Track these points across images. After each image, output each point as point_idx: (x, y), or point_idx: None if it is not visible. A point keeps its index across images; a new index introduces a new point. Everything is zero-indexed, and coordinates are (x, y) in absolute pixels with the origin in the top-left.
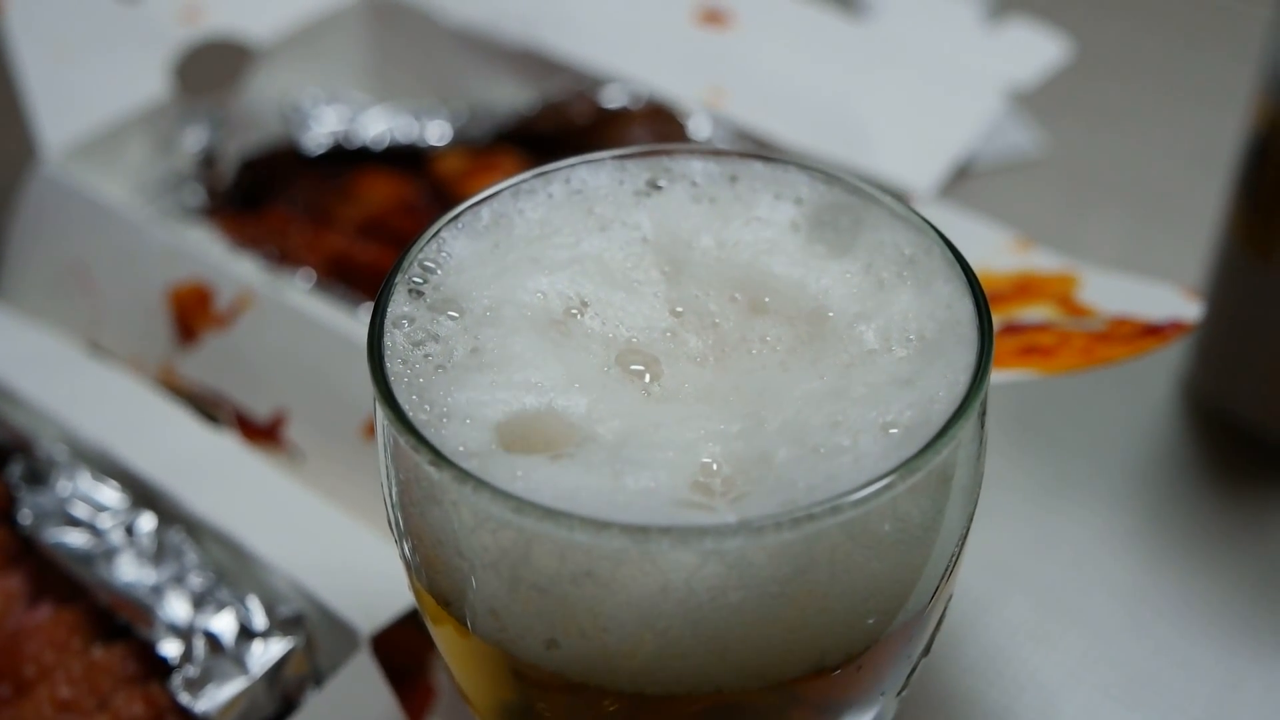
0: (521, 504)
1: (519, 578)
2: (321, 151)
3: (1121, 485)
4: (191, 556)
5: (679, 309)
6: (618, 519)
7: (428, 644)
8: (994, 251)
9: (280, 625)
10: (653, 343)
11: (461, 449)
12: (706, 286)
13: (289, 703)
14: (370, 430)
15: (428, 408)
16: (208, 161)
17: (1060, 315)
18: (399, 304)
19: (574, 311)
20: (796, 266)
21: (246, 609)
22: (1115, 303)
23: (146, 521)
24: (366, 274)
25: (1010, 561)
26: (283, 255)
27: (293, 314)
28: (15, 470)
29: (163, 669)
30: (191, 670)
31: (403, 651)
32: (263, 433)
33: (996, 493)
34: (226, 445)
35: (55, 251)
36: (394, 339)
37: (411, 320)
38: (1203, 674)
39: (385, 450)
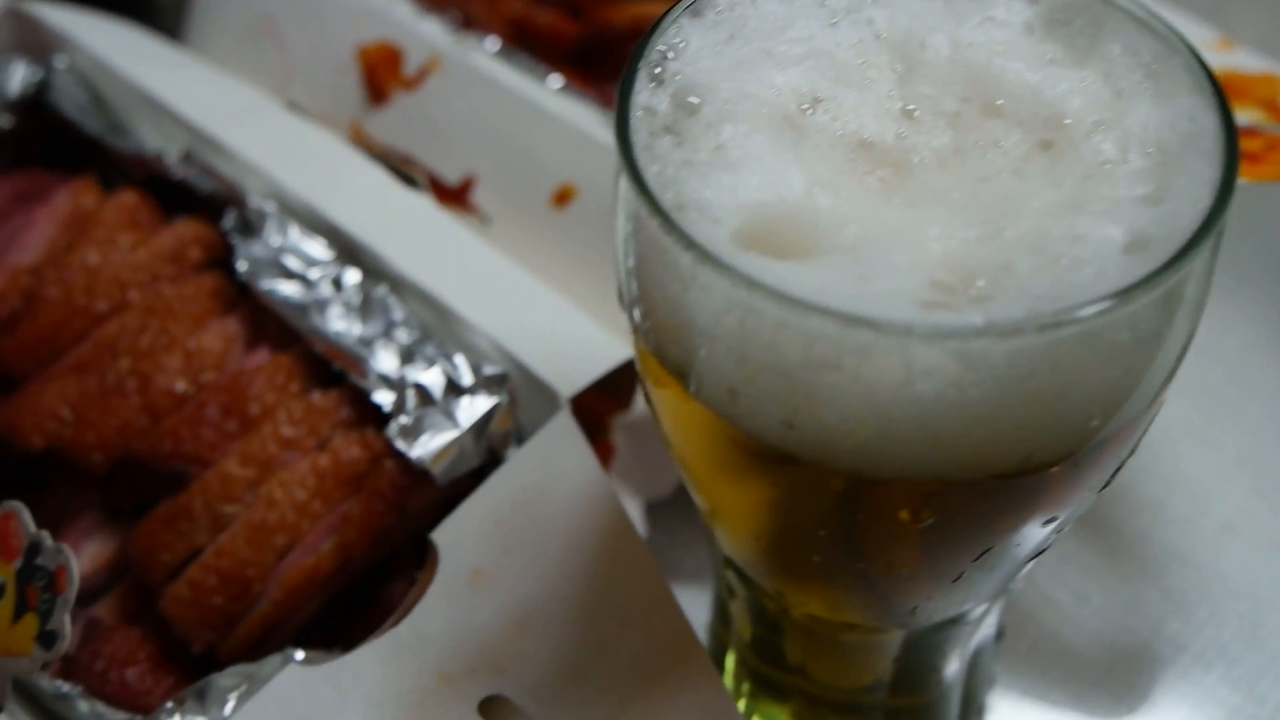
0: (774, 294)
1: (762, 362)
2: None
3: None
4: (397, 312)
5: (912, 109)
6: (868, 314)
7: (610, 408)
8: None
9: (485, 383)
10: (886, 143)
11: (703, 241)
12: (939, 86)
13: (493, 455)
14: (560, 198)
15: (670, 196)
16: None
17: (1266, 120)
18: (642, 91)
19: (806, 108)
20: (1032, 71)
21: (454, 365)
22: None
23: (352, 276)
24: (544, 39)
25: None
26: (466, 20)
27: (481, 78)
28: (229, 220)
29: (376, 416)
30: (405, 419)
31: (587, 413)
32: (452, 195)
33: None
34: (425, 207)
35: (244, 5)
36: (638, 125)
37: (653, 110)
38: None
39: (626, 225)
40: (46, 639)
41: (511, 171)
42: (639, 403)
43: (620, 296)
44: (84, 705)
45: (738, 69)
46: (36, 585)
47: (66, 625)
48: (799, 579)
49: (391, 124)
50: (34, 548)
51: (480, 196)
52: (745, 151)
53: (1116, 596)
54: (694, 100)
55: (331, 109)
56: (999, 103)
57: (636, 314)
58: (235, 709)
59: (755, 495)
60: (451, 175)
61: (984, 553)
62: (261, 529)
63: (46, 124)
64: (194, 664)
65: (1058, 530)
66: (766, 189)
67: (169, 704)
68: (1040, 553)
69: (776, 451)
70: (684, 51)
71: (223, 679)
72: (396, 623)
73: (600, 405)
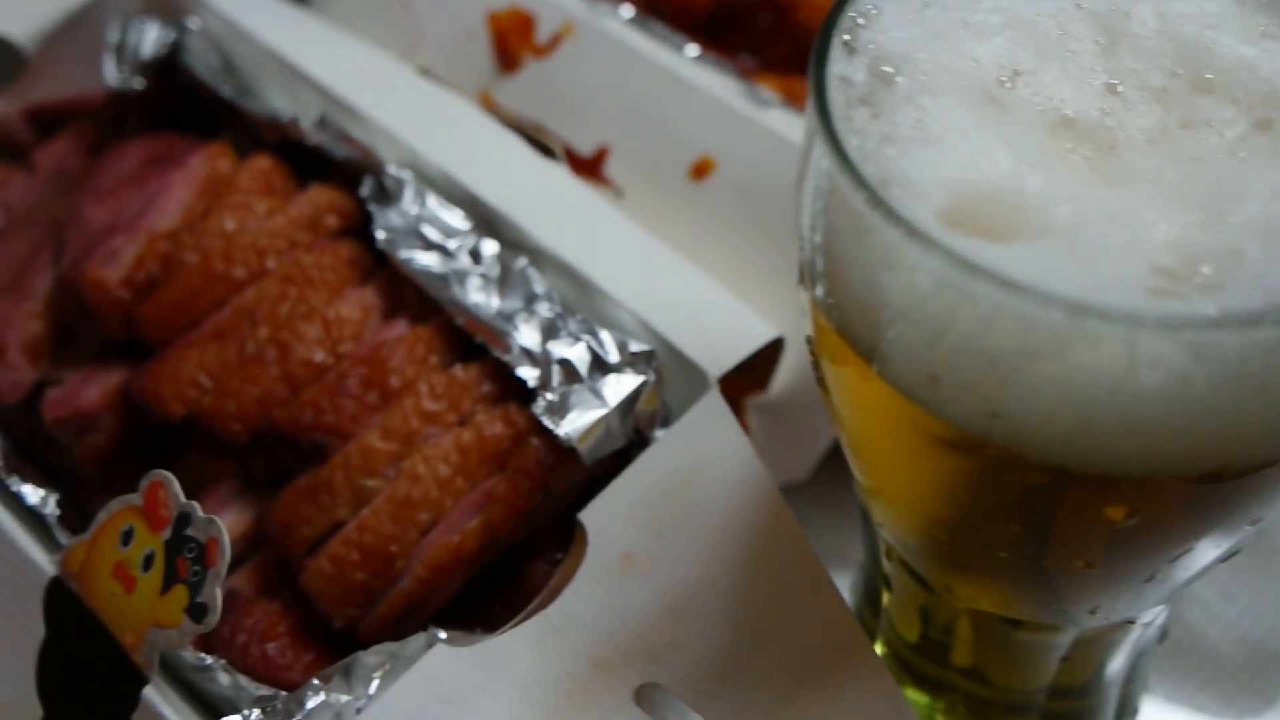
0: (994, 277)
1: (970, 348)
2: None
3: None
4: (537, 285)
5: (1116, 84)
6: (1095, 302)
7: (746, 388)
8: None
9: (632, 360)
10: (1090, 120)
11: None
12: (1145, 60)
13: (639, 435)
14: (698, 171)
15: (871, 170)
16: None
17: None
18: (837, 60)
19: (1006, 81)
20: (1245, 45)
21: (599, 341)
22: None
23: (489, 247)
24: (675, 7)
25: None
26: None
27: (616, 46)
28: (366, 188)
29: (518, 392)
30: (551, 396)
31: (723, 393)
32: (585, 166)
33: None
34: (563, 178)
35: None
36: (835, 97)
37: (849, 80)
38: None
39: (816, 199)
40: (197, 611)
41: (647, 142)
42: (775, 384)
43: (802, 272)
44: (225, 678)
45: (934, 39)
46: (187, 557)
47: (217, 598)
48: (976, 573)
49: (522, 91)
50: (184, 518)
51: (613, 168)
52: (946, 127)
53: (1265, 596)
54: (889, 70)
55: (460, 75)
56: (1209, 78)
57: (820, 290)
58: (380, 687)
59: (939, 484)
60: (583, 145)
61: (1183, 553)
62: (405, 504)
63: (176, 86)
64: (331, 639)
65: (1260, 530)
66: (970, 167)
67: (314, 681)
68: (1235, 553)
69: (973, 440)
70: (876, 19)
71: (368, 657)
72: (544, 605)
73: (736, 385)
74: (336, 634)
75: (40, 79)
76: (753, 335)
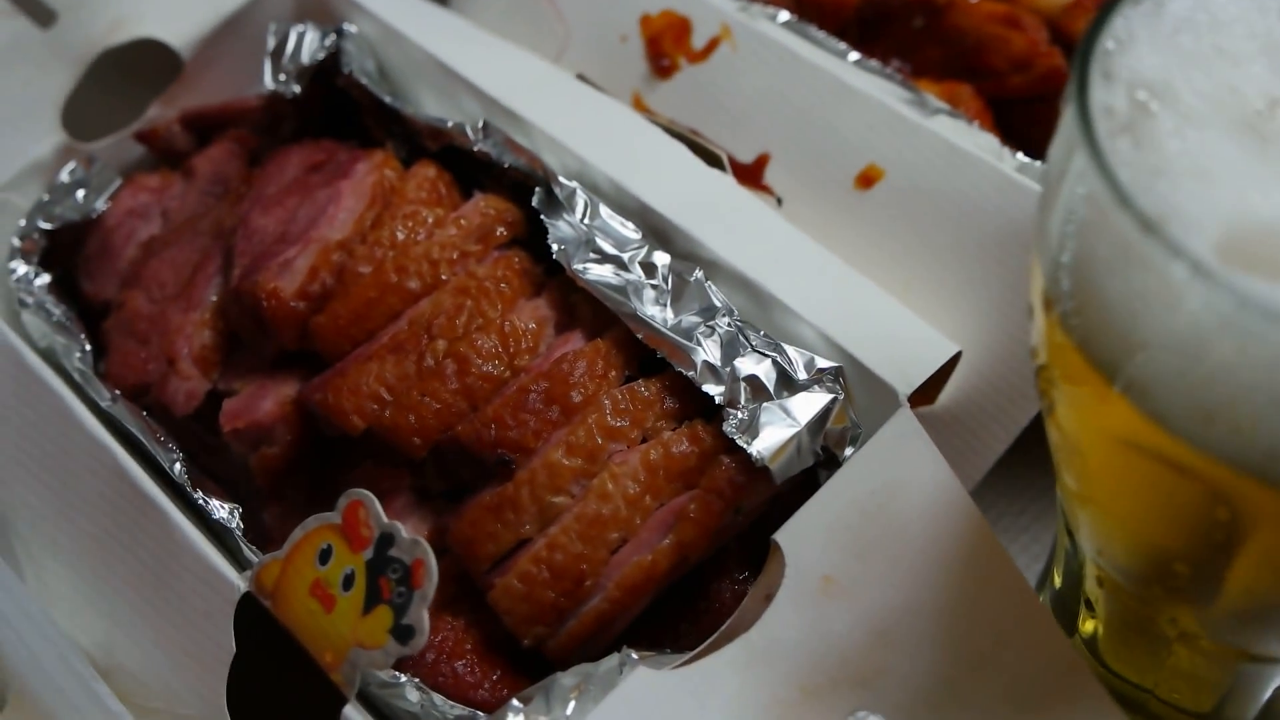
0: None
1: (1259, 389)
2: None
3: None
4: (714, 298)
5: None
6: None
7: (915, 402)
8: None
9: (819, 377)
10: None
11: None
12: None
13: (829, 454)
14: (865, 180)
15: (1146, 202)
16: None
17: None
18: (1097, 88)
19: (1266, 111)
20: None
21: (786, 357)
22: None
23: (661, 258)
24: (824, 10)
25: None
26: None
27: (775, 50)
28: (536, 198)
29: (700, 407)
30: (741, 414)
31: None
32: (745, 173)
33: None
34: (731, 187)
35: None
36: (1099, 126)
37: (1110, 109)
38: None
39: (1070, 221)
40: (402, 633)
41: (809, 150)
42: (942, 397)
43: (1049, 288)
44: (415, 695)
45: (1190, 66)
46: (390, 577)
47: (424, 621)
48: (1216, 607)
49: (676, 96)
50: (387, 539)
51: (772, 175)
52: (1213, 159)
53: None
54: (1147, 98)
55: (611, 79)
56: None
57: (1064, 310)
58: (576, 710)
59: (1181, 515)
60: (741, 152)
61: None
62: (595, 522)
63: (329, 91)
64: (513, 656)
65: None
66: (1243, 201)
67: (515, 702)
68: None
69: (1246, 478)
70: (1130, 45)
71: (565, 678)
72: (742, 628)
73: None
74: (521, 651)
75: (193, 84)
76: (935, 350)
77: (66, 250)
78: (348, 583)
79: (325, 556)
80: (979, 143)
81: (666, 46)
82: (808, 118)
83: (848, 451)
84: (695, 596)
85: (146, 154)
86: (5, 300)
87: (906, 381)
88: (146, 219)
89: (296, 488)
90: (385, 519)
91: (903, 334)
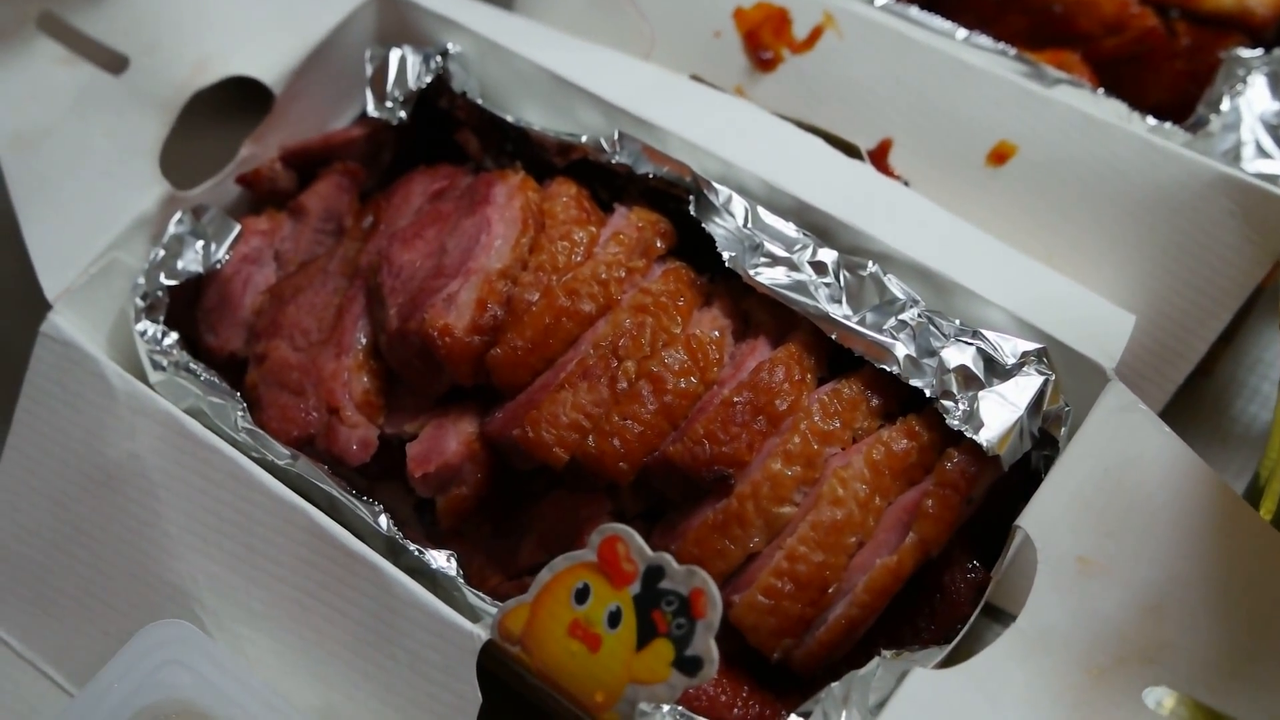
0: None
1: None
2: None
3: None
4: (891, 290)
5: None
6: None
7: None
8: None
9: (1025, 360)
10: None
11: None
12: None
13: (1045, 435)
14: (998, 157)
15: None
16: None
17: None
18: None
19: None
20: None
21: (989, 343)
22: None
23: (828, 255)
24: None
25: None
26: None
27: (883, 34)
28: (692, 206)
29: (902, 401)
30: (961, 404)
31: None
32: (870, 160)
33: None
34: (874, 176)
35: None
36: None
37: None
38: None
39: None
40: (688, 665)
41: (933, 132)
42: None
43: None
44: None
45: None
46: (665, 610)
47: (713, 650)
48: None
49: (783, 88)
50: (655, 571)
51: (895, 160)
52: None
53: None
54: None
55: (709, 76)
56: None
57: None
58: (853, 718)
59: None
60: (860, 139)
61: None
62: (832, 529)
63: (429, 115)
64: (756, 672)
65: None
66: None
67: (794, 717)
68: None
69: None
70: None
71: (837, 688)
72: (1006, 617)
73: None
74: (762, 665)
75: (282, 118)
76: (1116, 322)
77: (180, 306)
78: (613, 620)
79: (583, 596)
80: (1107, 109)
81: (766, 38)
82: (928, 99)
83: (1062, 432)
84: (927, 589)
85: (241, 196)
86: (129, 364)
87: (1107, 355)
88: (260, 264)
89: (476, 526)
90: (650, 552)
91: (1081, 308)
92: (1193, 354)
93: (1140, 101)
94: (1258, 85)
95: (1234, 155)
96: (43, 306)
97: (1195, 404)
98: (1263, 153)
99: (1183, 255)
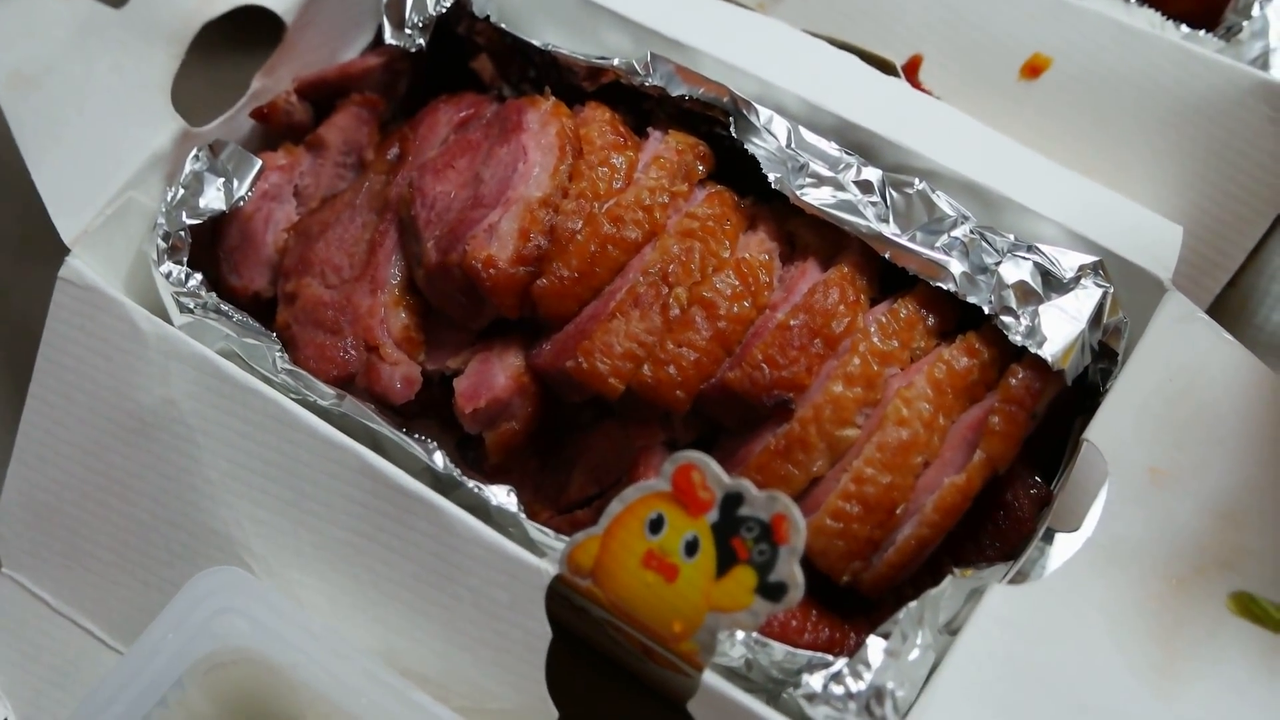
0: None
1: None
2: None
3: None
4: (943, 207)
5: None
6: None
7: None
8: None
9: (1082, 272)
10: None
11: None
12: None
13: (1105, 348)
14: (1032, 70)
15: None
16: None
17: None
18: None
19: None
20: None
21: (1047, 257)
22: None
23: (872, 174)
24: None
25: None
26: None
27: None
28: (734, 127)
29: (957, 317)
30: (1022, 319)
31: None
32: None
33: None
34: (910, 93)
35: None
36: None
37: None
38: None
39: None
40: (772, 591)
41: (964, 47)
42: None
43: None
44: (739, 650)
45: None
46: (745, 536)
47: (797, 574)
48: None
49: (808, 4)
50: (734, 498)
51: (926, 75)
52: None
53: None
54: None
55: None
56: None
57: None
58: (927, 638)
59: None
60: (889, 55)
61: None
62: (898, 450)
63: (446, 41)
64: (822, 596)
65: None
66: None
67: (875, 639)
68: None
69: None
70: None
71: (914, 606)
72: (1076, 529)
73: None
74: (829, 587)
75: (293, 49)
76: (1165, 232)
77: (197, 247)
78: (690, 549)
79: (657, 526)
80: (1140, 18)
81: None
82: (958, 14)
83: (1121, 344)
84: (990, 506)
85: (254, 130)
86: (152, 307)
87: (1162, 266)
88: (280, 200)
89: (523, 460)
90: (728, 479)
91: (1129, 219)
92: (1230, 263)
93: (1168, 10)
94: None
95: (1263, 62)
96: (39, 253)
97: (1219, 313)
98: None
99: (1220, 163)
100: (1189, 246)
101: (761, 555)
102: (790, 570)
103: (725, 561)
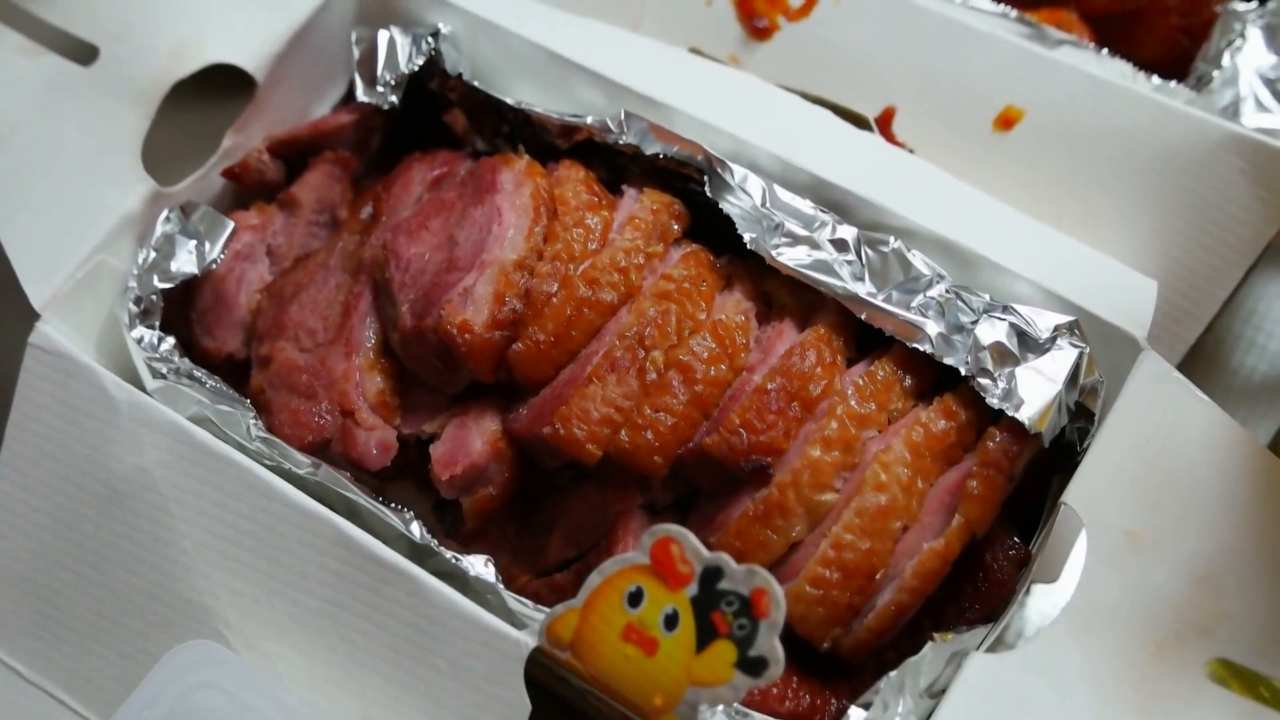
0: None
1: None
2: None
3: None
4: (916, 266)
5: None
6: None
7: None
8: None
9: (1060, 333)
10: None
11: None
12: None
13: (1083, 409)
14: (1004, 122)
15: None
16: None
17: None
18: None
19: None
20: None
21: (1021, 317)
22: None
23: (847, 231)
24: None
25: None
26: None
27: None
28: (708, 186)
29: (934, 380)
30: (998, 382)
31: None
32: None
33: None
34: (885, 148)
35: None
36: None
37: None
38: None
39: None
40: (752, 666)
41: (937, 98)
42: None
43: None
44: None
45: None
46: (725, 610)
47: (777, 650)
48: None
49: (780, 57)
50: (713, 572)
51: (899, 127)
52: None
53: None
54: None
55: (701, 46)
56: None
57: None
58: (912, 707)
59: None
60: (861, 108)
61: None
62: (877, 515)
63: (418, 98)
64: (803, 661)
65: None
66: None
67: (855, 710)
68: None
69: None
70: None
71: (894, 675)
72: (1055, 580)
73: None
74: (808, 653)
75: (265, 106)
76: (1139, 289)
77: (169, 308)
78: (670, 623)
79: (636, 599)
80: (1112, 70)
81: (760, 6)
82: (930, 65)
83: (1098, 404)
84: (969, 568)
85: (226, 188)
86: (123, 372)
87: (1137, 324)
88: (253, 260)
89: (500, 524)
90: (707, 552)
91: (1103, 276)
92: (1204, 314)
93: (1134, 58)
94: (1254, 39)
95: (1233, 111)
96: (9, 313)
97: (1193, 358)
98: (1262, 107)
99: (1192, 215)
100: (1163, 297)
101: (742, 630)
102: (770, 645)
103: (705, 635)
